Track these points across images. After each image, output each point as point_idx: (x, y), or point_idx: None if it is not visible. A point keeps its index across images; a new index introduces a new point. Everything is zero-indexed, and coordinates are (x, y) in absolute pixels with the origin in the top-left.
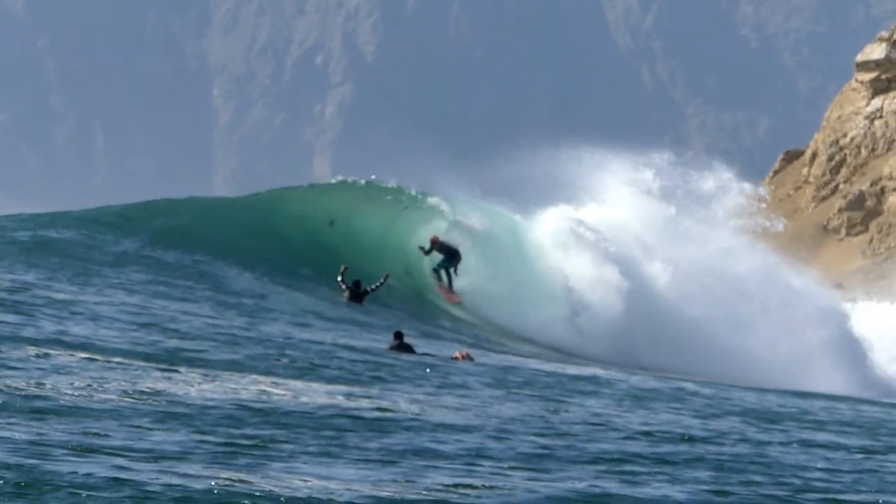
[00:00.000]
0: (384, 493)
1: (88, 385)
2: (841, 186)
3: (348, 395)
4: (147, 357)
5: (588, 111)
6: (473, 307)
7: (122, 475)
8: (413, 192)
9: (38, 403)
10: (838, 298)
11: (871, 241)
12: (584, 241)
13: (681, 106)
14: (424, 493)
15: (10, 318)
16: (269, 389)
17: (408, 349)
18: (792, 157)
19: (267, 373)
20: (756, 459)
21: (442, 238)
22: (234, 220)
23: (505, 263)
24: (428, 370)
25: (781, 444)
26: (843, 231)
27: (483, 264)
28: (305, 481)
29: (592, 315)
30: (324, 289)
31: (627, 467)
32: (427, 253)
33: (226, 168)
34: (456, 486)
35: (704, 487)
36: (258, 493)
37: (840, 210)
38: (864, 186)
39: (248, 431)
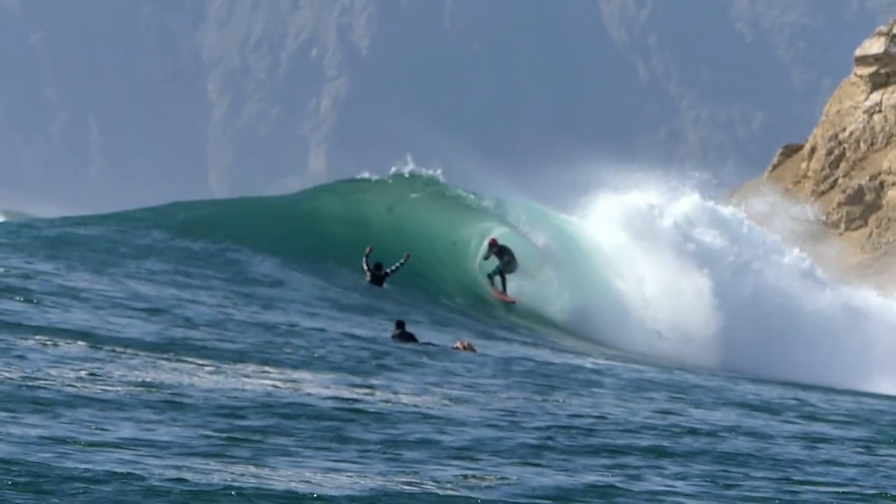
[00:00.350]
0: (385, 484)
1: (91, 374)
2: (840, 181)
3: (349, 385)
4: (150, 346)
5: (583, 105)
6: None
7: (124, 469)
8: (470, 194)
9: (41, 394)
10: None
11: (870, 235)
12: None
13: (676, 100)
14: (425, 484)
15: (18, 306)
16: (271, 380)
17: (410, 338)
18: (791, 151)
19: (269, 362)
20: (755, 453)
21: (500, 241)
22: (269, 213)
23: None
24: (425, 358)
25: (784, 437)
26: (843, 225)
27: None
28: (306, 472)
29: (679, 331)
30: (343, 276)
31: (629, 459)
32: (486, 258)
33: (221, 161)
34: (456, 477)
35: (707, 479)
36: (258, 485)
37: (839, 204)
38: (864, 181)
39: (249, 423)
